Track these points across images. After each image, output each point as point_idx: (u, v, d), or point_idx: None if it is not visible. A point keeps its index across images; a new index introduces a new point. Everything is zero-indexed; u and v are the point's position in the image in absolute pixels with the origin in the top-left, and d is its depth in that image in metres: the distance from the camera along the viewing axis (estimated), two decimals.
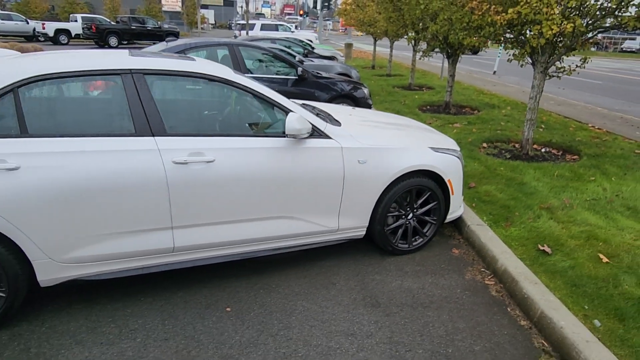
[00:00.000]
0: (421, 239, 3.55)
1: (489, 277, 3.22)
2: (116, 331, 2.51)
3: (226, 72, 2.85)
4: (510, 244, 3.44)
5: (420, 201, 3.44)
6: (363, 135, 3.21)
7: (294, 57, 9.15)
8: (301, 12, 47.96)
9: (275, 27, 24.12)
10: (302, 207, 3.00)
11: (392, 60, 14.57)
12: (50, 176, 2.35)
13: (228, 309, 2.75)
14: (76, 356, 2.31)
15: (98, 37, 24.21)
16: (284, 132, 2.90)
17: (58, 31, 25.50)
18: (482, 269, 3.33)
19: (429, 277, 3.20)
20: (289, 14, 61.19)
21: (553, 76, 5.45)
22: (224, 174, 2.71)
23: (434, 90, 11.35)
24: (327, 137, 3.02)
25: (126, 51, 2.92)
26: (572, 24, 4.39)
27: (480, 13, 4.86)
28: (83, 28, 25.02)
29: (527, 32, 5.16)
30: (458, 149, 3.71)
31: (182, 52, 5.93)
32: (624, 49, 44.40)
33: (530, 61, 5.45)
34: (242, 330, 2.57)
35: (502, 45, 5.74)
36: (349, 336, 2.55)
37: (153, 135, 2.59)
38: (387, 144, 3.24)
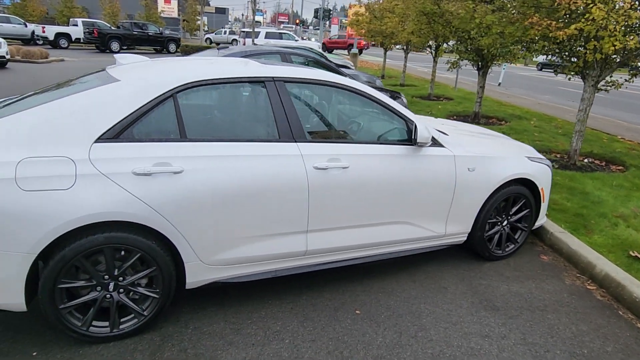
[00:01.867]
0: (513, 245, 3.67)
1: (588, 282, 3.35)
2: (261, 332, 2.56)
3: (354, 82, 2.95)
4: (600, 251, 3.58)
5: (515, 209, 3.56)
6: (468, 143, 3.34)
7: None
8: (297, 22, 48.36)
9: (280, 36, 24.31)
10: (417, 213, 3.09)
11: (405, 71, 14.82)
12: (209, 180, 2.40)
13: (357, 312, 2.82)
14: (234, 357, 2.35)
15: (100, 41, 24.05)
16: (405, 140, 3.01)
17: (58, 35, 25.20)
18: (578, 275, 3.46)
19: (531, 282, 3.32)
20: (283, 23, 61.67)
21: (601, 89, 5.67)
22: (356, 180, 2.79)
23: (454, 100, 11.60)
24: (441, 145, 3.14)
25: (247, 60, 3.00)
26: (635, 41, 4.60)
27: (540, 28, 5.05)
28: (84, 32, 24.82)
29: (580, 47, 5.37)
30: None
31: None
32: None
33: (580, 75, 5.66)
34: (381, 331, 2.64)
35: (548, 57, 5.95)
36: (485, 337, 2.64)
37: (295, 141, 2.67)
38: (492, 152, 3.37)
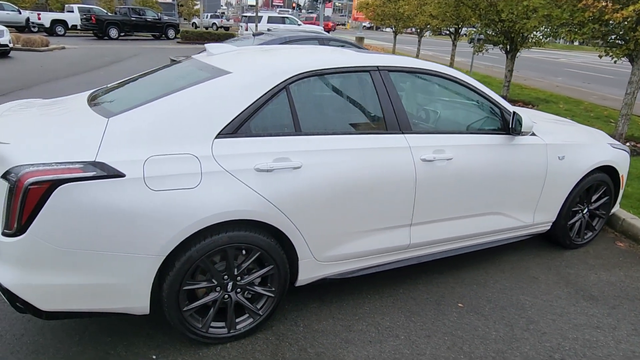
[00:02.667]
0: (591, 233, 3.64)
1: None
2: (373, 329, 2.51)
3: (454, 71, 2.85)
4: None
5: (596, 196, 3.52)
6: (555, 131, 3.27)
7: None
8: (293, 5, 47.62)
9: (282, 20, 23.89)
10: (509, 203, 3.03)
11: (418, 56, 14.66)
12: (325, 174, 2.32)
13: (460, 305, 2.77)
14: (355, 355, 2.30)
15: (98, 28, 23.50)
16: (500, 129, 2.93)
17: (54, 22, 24.57)
18: None
19: (618, 270, 3.29)
20: (279, 7, 60.77)
21: None
22: (459, 172, 2.72)
23: None
24: (534, 134, 3.06)
25: (342, 49, 2.89)
26: None
27: (595, 10, 4.95)
28: (82, 19, 24.23)
29: (631, 30, 5.28)
30: None
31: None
32: None
33: (628, 58, 5.58)
34: (492, 325, 2.60)
35: (599, 42, 5.86)
36: (597, 329, 2.61)
37: (402, 133, 2.58)
38: (580, 140, 3.30)
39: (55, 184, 1.83)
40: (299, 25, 23.89)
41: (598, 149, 3.38)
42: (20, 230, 1.84)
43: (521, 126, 2.82)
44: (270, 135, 2.24)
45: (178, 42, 23.42)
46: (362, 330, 2.50)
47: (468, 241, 3.00)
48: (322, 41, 6.19)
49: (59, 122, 2.16)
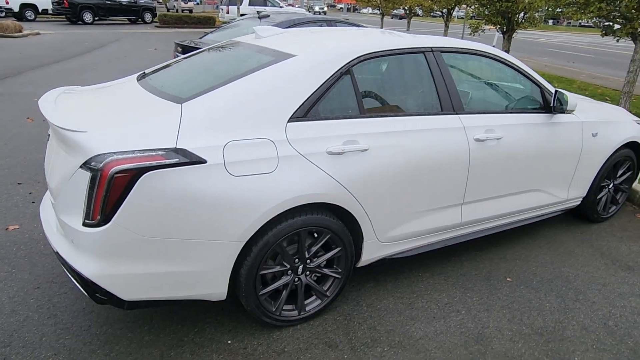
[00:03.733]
0: (614, 207, 3.78)
1: None
2: (433, 306, 2.57)
3: (500, 51, 2.88)
4: None
5: (621, 171, 3.65)
6: (587, 109, 3.35)
7: None
8: None
9: (264, 2, 23.41)
10: (549, 179, 3.12)
11: None
12: (390, 156, 2.33)
13: (509, 279, 2.86)
14: (424, 331, 2.36)
15: (71, 12, 22.53)
16: (540, 108, 3.00)
17: (24, 6, 23.42)
18: None
19: None
20: None
21: None
22: (508, 150, 2.78)
23: None
24: (570, 112, 3.14)
25: (391, 30, 2.88)
26: None
27: None
28: (53, 3, 23.17)
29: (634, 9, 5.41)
30: None
31: (290, 27, 5.76)
32: (581, 24, 46.62)
33: (631, 37, 5.72)
34: (544, 297, 2.69)
35: (593, 20, 5.98)
36: None
37: (456, 113, 2.61)
38: (609, 117, 3.41)
39: (140, 171, 1.79)
40: (281, 7, 23.48)
41: (625, 125, 3.49)
42: (105, 220, 1.80)
43: (567, 104, 2.89)
44: (338, 118, 2.24)
45: (156, 27, 22.73)
46: (424, 307, 2.56)
47: (511, 218, 3.08)
48: (330, 23, 6.13)
49: (127, 110, 2.10)
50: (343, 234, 2.30)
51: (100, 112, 2.09)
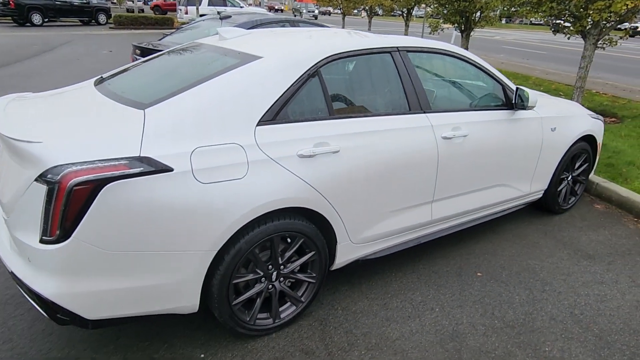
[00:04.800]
0: (574, 198, 3.93)
1: None
2: (408, 305, 2.58)
3: (463, 50, 2.93)
4: None
5: (578, 163, 3.80)
6: (545, 104, 3.47)
7: None
8: None
9: (224, 3, 23.03)
10: (513, 174, 3.20)
11: None
12: (361, 157, 2.32)
13: (479, 274, 2.91)
14: (400, 331, 2.36)
15: (18, 14, 21.38)
16: (502, 105, 3.07)
17: None
18: (635, 219, 3.80)
19: (603, 230, 3.60)
20: None
21: (599, 47, 6.06)
22: (474, 147, 2.83)
23: None
24: (531, 108, 3.23)
25: (355, 30, 2.86)
26: None
27: None
28: None
29: (582, 9, 5.66)
30: None
31: (252, 28, 5.67)
32: (532, 22, 48.66)
33: (581, 35, 5.99)
34: (513, 290, 2.76)
35: (545, 19, 6.22)
36: (602, 284, 2.86)
37: (424, 112, 2.63)
38: (566, 112, 3.53)
39: (101, 183, 1.69)
40: (241, 7, 23.17)
41: (581, 119, 3.64)
42: (65, 235, 1.69)
43: (527, 101, 2.97)
44: (307, 120, 2.20)
45: (111, 28, 21.93)
46: (398, 307, 2.56)
47: (479, 213, 3.14)
48: (293, 23, 6.08)
49: (85, 118, 1.98)
50: (316, 237, 2.26)
51: (56, 121, 1.96)
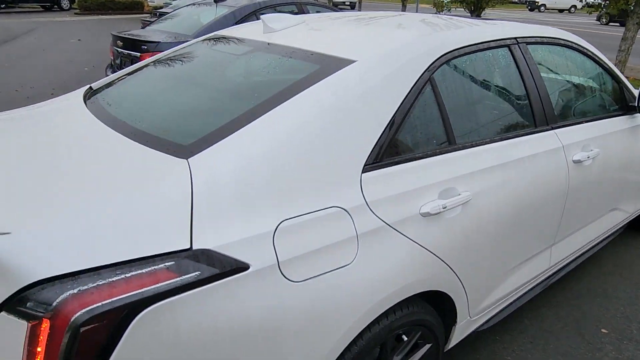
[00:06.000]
0: None
1: None
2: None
3: (582, 40, 2.21)
4: None
5: None
6: None
7: None
8: None
9: None
10: (625, 193, 2.54)
11: None
12: (493, 202, 1.60)
13: (604, 331, 2.26)
14: None
15: None
16: (621, 109, 2.39)
17: None
18: None
19: None
20: None
21: None
22: (600, 168, 2.14)
23: None
24: None
25: (445, 16, 2.10)
26: None
27: None
28: None
29: None
30: None
31: (253, 13, 4.81)
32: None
33: (618, 17, 5.36)
34: None
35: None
36: None
37: (551, 128, 1.92)
38: None
39: (130, 311, 0.92)
40: None
41: None
42: None
43: None
44: (424, 155, 1.45)
45: (76, 14, 20.31)
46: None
47: (588, 247, 2.47)
48: (300, 6, 5.23)
49: (82, 173, 1.18)
50: (437, 325, 1.55)
51: (32, 181, 1.16)
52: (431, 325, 1.51)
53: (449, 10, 8.40)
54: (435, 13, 8.56)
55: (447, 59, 1.57)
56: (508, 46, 1.83)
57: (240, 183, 1.10)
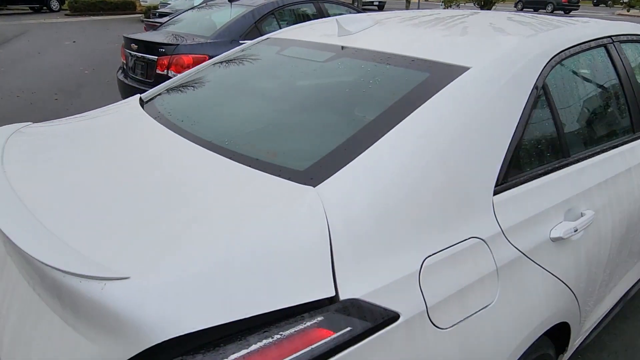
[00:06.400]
0: None
1: None
2: None
3: None
4: None
5: None
6: None
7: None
8: None
9: None
10: None
11: None
12: (609, 220, 1.45)
13: None
14: None
15: None
16: None
17: None
18: None
19: None
20: None
21: None
22: None
23: None
24: None
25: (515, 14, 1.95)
26: None
27: None
28: None
29: None
30: None
31: (272, 12, 4.62)
32: None
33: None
34: None
35: None
36: None
37: None
38: None
39: None
40: None
41: None
42: None
43: None
44: (546, 172, 1.29)
45: (67, 15, 19.91)
46: None
47: None
48: (318, 3, 5.04)
49: (190, 201, 0.99)
50: (554, 358, 1.39)
51: (140, 213, 0.97)
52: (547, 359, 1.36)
53: (457, 5, 8.26)
54: (445, 8, 8.40)
55: (557, 62, 1.41)
56: (605, 45, 1.68)
57: (379, 214, 0.94)
